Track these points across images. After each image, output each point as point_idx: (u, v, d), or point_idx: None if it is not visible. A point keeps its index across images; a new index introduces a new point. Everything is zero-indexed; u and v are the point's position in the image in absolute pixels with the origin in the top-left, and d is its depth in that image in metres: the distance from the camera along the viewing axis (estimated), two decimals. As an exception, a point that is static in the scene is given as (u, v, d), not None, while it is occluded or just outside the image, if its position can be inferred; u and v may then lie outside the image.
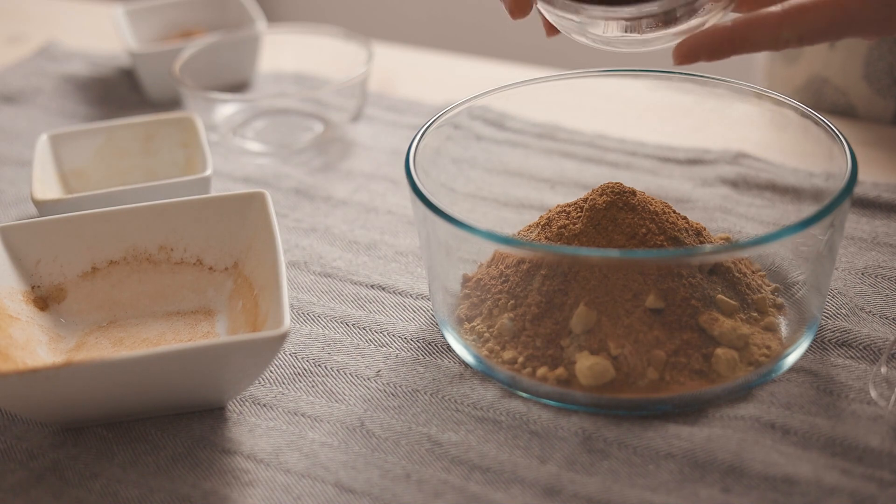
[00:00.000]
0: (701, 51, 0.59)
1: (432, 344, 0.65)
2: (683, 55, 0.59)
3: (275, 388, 0.63)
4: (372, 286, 0.71)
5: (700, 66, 0.61)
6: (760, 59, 0.98)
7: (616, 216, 0.62)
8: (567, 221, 0.64)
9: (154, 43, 1.03)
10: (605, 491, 0.55)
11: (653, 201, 0.64)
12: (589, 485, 0.55)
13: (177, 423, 0.60)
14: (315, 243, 0.76)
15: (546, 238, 0.63)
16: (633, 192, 0.63)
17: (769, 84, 0.96)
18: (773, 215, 0.73)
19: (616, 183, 0.64)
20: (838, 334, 0.63)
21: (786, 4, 0.58)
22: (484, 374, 0.62)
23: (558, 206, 0.66)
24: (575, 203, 0.65)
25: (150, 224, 0.68)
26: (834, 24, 0.58)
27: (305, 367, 0.64)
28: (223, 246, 0.68)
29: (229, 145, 0.89)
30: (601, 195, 0.63)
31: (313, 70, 1.00)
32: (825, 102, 0.90)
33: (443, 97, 0.95)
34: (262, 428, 0.60)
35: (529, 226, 0.68)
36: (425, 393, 0.61)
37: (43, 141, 0.80)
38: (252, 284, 0.65)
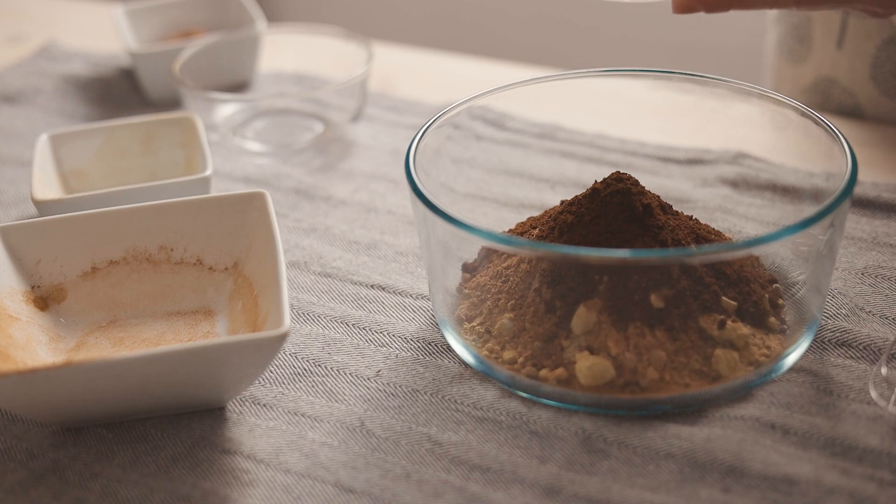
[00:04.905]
0: (699, 3, 0.59)
1: (432, 344, 0.65)
2: (681, 4, 0.59)
3: (275, 388, 0.63)
4: (372, 286, 0.71)
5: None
6: (769, 59, 0.98)
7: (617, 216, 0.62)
8: (567, 216, 0.63)
9: (154, 43, 1.03)
10: (605, 491, 0.55)
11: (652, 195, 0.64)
12: (589, 485, 0.55)
13: (177, 423, 0.60)
14: (315, 243, 0.76)
15: (540, 232, 0.63)
16: (636, 182, 0.63)
17: (777, 84, 0.96)
18: (773, 215, 0.73)
19: (620, 173, 0.64)
20: (838, 334, 0.63)
21: None
22: (484, 374, 0.62)
23: (561, 202, 0.66)
24: (575, 197, 0.65)
25: (150, 224, 0.68)
26: None
27: (305, 367, 0.64)
28: (223, 246, 0.68)
29: (229, 145, 0.89)
30: (606, 187, 0.63)
31: (313, 70, 1.00)
32: (833, 103, 0.90)
33: (443, 97, 0.95)
34: (262, 428, 0.60)
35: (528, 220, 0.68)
36: (425, 393, 0.61)
37: (43, 141, 0.80)
38: (252, 284, 0.65)
